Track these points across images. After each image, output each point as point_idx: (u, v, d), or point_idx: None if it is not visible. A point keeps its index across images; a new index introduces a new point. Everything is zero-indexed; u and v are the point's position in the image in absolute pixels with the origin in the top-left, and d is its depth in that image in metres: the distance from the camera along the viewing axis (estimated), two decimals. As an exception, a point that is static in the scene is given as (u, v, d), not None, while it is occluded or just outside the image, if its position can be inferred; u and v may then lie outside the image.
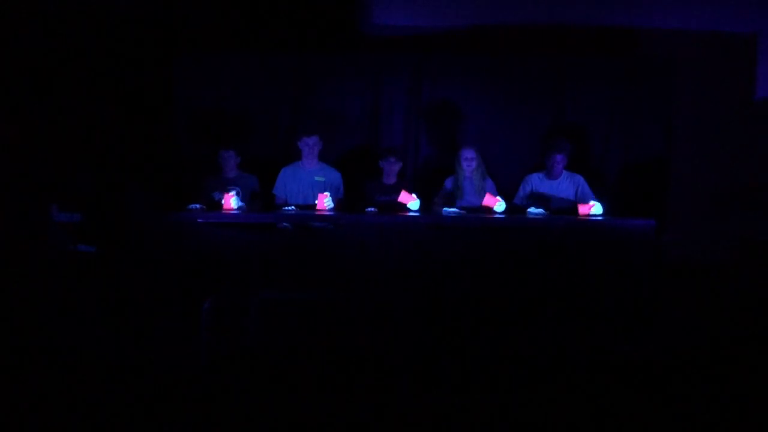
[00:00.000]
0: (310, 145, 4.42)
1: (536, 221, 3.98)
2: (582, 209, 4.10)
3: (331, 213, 4.07)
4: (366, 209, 4.12)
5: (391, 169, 4.47)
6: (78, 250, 4.33)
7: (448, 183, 4.52)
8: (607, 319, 3.69)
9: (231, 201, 4.04)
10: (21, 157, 4.67)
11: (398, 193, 4.22)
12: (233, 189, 4.22)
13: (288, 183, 4.47)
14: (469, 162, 4.41)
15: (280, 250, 3.85)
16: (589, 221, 3.98)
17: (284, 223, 3.97)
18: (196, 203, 4.12)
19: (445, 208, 4.21)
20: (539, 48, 5.13)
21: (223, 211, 4.04)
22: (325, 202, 4.09)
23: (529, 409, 2.66)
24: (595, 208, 4.08)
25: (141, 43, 4.96)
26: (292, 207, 4.23)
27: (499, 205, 4.09)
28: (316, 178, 4.44)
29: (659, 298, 3.92)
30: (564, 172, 4.48)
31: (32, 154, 4.70)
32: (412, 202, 4.11)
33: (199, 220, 3.83)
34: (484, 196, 4.25)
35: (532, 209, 4.22)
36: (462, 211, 4.16)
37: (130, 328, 3.57)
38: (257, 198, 4.45)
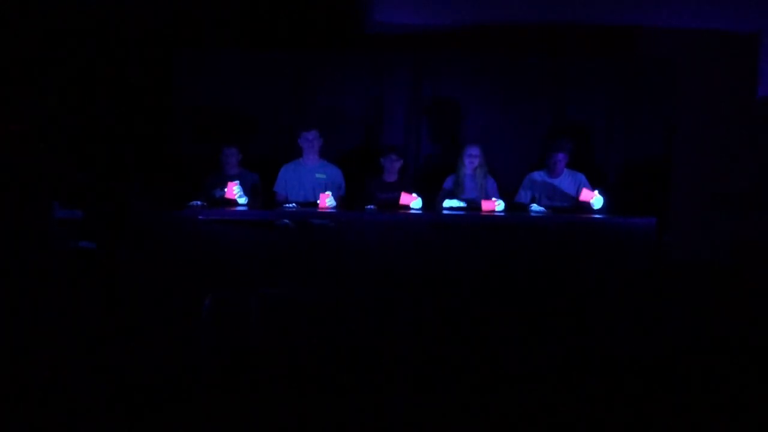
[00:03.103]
0: (310, 140, 4.41)
1: (537, 219, 3.98)
2: (584, 195, 4.10)
3: (332, 210, 4.07)
4: (366, 207, 4.12)
5: (392, 166, 4.47)
6: (79, 247, 4.33)
7: (449, 181, 4.51)
8: (607, 316, 3.69)
9: (234, 189, 4.04)
10: (22, 154, 4.67)
11: (399, 191, 4.22)
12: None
13: (289, 180, 4.47)
14: (472, 159, 4.41)
15: (280, 248, 3.85)
16: (592, 219, 3.98)
17: (284, 220, 3.96)
18: (197, 200, 4.12)
19: (446, 200, 4.20)
20: (540, 46, 5.13)
21: (226, 200, 4.04)
22: (327, 201, 4.09)
23: (529, 408, 2.66)
24: (597, 200, 4.09)
25: (141, 41, 4.96)
26: (293, 204, 4.23)
27: (498, 206, 4.09)
28: (317, 175, 4.44)
29: (659, 297, 3.91)
30: (565, 170, 4.48)
31: (33, 151, 4.70)
32: (413, 201, 4.10)
33: (200, 217, 3.83)
34: (484, 194, 4.26)
35: (534, 207, 4.23)
36: (463, 203, 4.16)
37: (130, 325, 3.57)
38: (258, 195, 4.45)
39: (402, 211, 4.05)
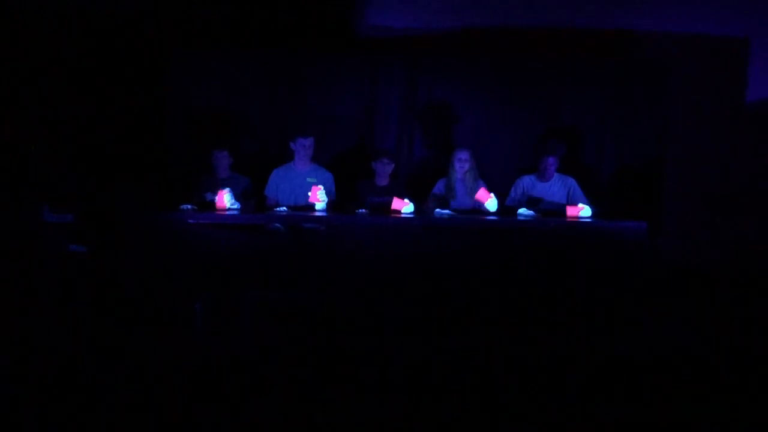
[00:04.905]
0: (306, 146, 4.41)
1: (528, 223, 3.98)
2: (570, 211, 4.11)
3: (323, 214, 4.06)
4: (358, 210, 4.11)
5: (384, 170, 4.47)
6: (69, 251, 4.31)
7: (440, 185, 4.52)
8: (598, 320, 3.69)
9: (224, 198, 4.03)
10: (12, 157, 4.65)
11: (391, 194, 4.22)
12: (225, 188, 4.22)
13: (280, 184, 4.46)
14: (462, 163, 4.42)
15: (271, 252, 3.84)
16: (582, 223, 3.98)
17: (275, 224, 3.96)
18: (188, 204, 4.11)
19: (437, 210, 4.20)
20: (533, 50, 5.14)
21: (217, 210, 4.03)
22: (318, 195, 4.08)
23: (522, 411, 2.66)
24: (584, 211, 4.10)
25: (136, 42, 4.95)
26: (284, 208, 4.22)
27: (491, 201, 4.08)
28: (308, 180, 4.43)
29: (651, 300, 3.92)
30: (556, 174, 4.49)
31: (23, 154, 4.68)
32: (405, 207, 4.09)
33: (189, 221, 3.82)
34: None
35: (522, 210, 4.23)
36: (453, 213, 4.16)
37: (121, 329, 3.55)
38: (250, 199, 4.45)
39: (393, 214, 4.04)
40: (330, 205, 4.33)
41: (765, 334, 3.74)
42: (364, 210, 4.13)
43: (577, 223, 3.97)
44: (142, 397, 2.71)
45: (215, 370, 3.07)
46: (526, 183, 4.52)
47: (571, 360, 3.26)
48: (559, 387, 2.91)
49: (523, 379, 3.00)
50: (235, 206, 4.15)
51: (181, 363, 3.14)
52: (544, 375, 3.05)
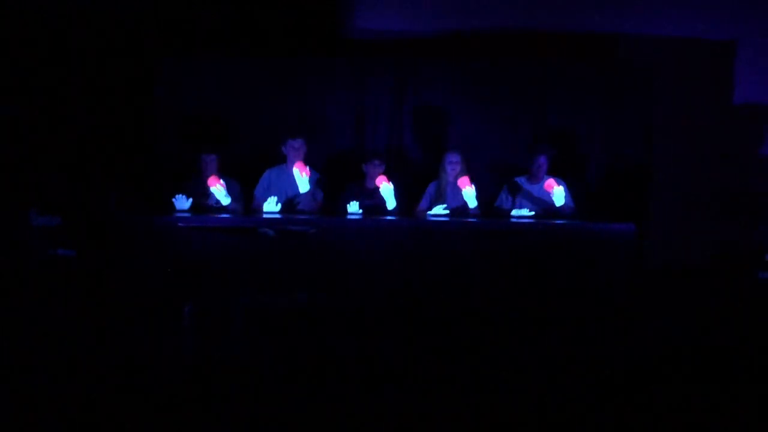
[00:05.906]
0: (296, 147, 4.41)
1: (517, 225, 4.00)
2: (548, 183, 4.21)
3: (314, 217, 4.07)
4: (349, 212, 4.11)
5: (375, 172, 4.47)
6: (57, 255, 4.28)
7: (431, 188, 4.53)
8: (586, 322, 3.71)
9: (217, 185, 4.06)
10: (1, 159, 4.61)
11: (382, 197, 4.23)
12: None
13: (271, 185, 4.46)
14: (453, 166, 4.44)
15: (260, 254, 3.83)
16: (571, 224, 4.01)
17: (265, 228, 3.95)
18: (181, 194, 4.11)
19: (428, 211, 4.23)
20: (522, 53, 5.17)
21: (207, 207, 4.04)
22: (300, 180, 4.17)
23: (511, 412, 2.67)
24: (558, 192, 4.19)
25: (124, 45, 4.93)
26: (275, 197, 4.20)
27: (471, 193, 4.15)
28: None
29: (639, 302, 3.95)
30: (546, 176, 4.51)
31: (10, 157, 4.64)
32: (384, 183, 4.15)
33: (179, 224, 3.80)
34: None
35: (516, 211, 4.26)
36: (446, 210, 4.18)
37: (109, 333, 3.53)
38: (240, 202, 4.43)
39: (384, 216, 4.05)
40: (318, 206, 4.33)
41: (753, 335, 3.78)
42: (355, 212, 4.13)
43: (566, 225, 4.00)
44: (134, 399, 2.70)
45: (205, 373, 3.06)
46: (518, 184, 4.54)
47: (561, 360, 3.28)
48: (549, 387, 2.92)
49: (515, 380, 3.01)
50: (228, 199, 4.12)
51: (170, 366, 3.13)
52: (535, 375, 3.07)
